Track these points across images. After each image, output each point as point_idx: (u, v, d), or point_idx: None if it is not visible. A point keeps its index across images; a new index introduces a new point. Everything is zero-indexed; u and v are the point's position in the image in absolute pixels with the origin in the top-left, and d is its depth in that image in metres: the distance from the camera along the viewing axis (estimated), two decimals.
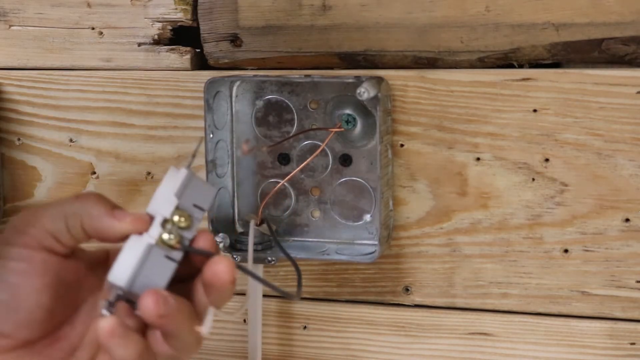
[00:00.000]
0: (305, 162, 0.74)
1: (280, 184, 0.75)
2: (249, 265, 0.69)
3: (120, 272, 0.57)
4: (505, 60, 0.72)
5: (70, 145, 0.82)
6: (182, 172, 0.59)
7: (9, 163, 0.84)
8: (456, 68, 0.72)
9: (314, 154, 0.74)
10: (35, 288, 0.58)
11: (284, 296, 0.69)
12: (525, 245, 0.72)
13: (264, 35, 0.76)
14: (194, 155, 0.60)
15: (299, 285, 0.69)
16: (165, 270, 0.58)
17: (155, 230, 0.58)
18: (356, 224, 0.75)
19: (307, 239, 0.76)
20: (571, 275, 0.71)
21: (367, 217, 0.74)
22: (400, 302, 0.76)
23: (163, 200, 0.58)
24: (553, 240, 0.71)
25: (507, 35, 0.71)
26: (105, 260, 0.62)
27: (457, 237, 0.73)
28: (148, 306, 0.56)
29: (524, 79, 0.70)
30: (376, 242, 0.73)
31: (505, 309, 0.73)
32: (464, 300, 0.74)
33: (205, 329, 0.58)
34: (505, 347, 0.74)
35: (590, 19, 0.69)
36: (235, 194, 0.76)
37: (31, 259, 0.58)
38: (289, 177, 0.75)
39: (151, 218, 0.58)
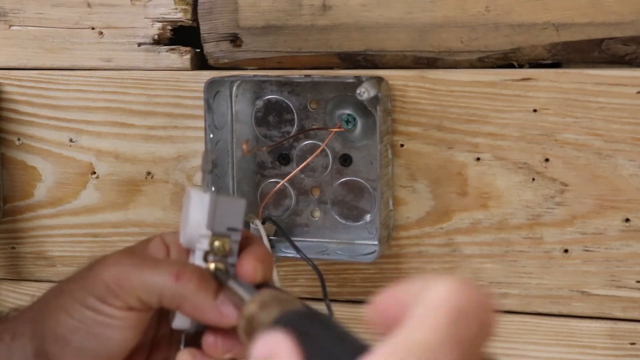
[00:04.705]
0: (305, 162, 0.74)
1: (280, 184, 0.75)
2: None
3: (182, 318, 0.59)
4: (505, 60, 0.72)
5: (70, 145, 0.82)
6: (206, 198, 0.59)
7: (9, 163, 0.84)
8: (456, 68, 0.72)
9: (314, 154, 0.74)
10: (125, 338, 0.60)
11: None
12: (525, 245, 0.72)
13: (264, 35, 0.76)
14: (205, 171, 0.60)
15: (323, 285, 0.70)
16: None
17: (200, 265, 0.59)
18: (356, 224, 0.75)
19: (307, 239, 0.76)
20: (571, 275, 0.71)
21: (367, 217, 0.74)
22: None
23: (195, 233, 0.59)
24: (553, 240, 0.71)
25: (507, 35, 0.71)
26: None
27: (457, 237, 0.73)
28: (209, 347, 0.57)
29: (524, 79, 0.70)
30: (376, 242, 0.73)
31: (505, 309, 0.73)
32: None
33: None
34: (505, 347, 0.73)
35: (590, 19, 0.69)
36: (235, 194, 0.76)
37: (125, 319, 0.59)
38: (289, 177, 0.75)
39: (188, 251, 0.60)
